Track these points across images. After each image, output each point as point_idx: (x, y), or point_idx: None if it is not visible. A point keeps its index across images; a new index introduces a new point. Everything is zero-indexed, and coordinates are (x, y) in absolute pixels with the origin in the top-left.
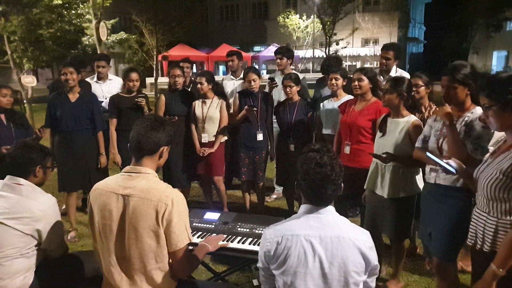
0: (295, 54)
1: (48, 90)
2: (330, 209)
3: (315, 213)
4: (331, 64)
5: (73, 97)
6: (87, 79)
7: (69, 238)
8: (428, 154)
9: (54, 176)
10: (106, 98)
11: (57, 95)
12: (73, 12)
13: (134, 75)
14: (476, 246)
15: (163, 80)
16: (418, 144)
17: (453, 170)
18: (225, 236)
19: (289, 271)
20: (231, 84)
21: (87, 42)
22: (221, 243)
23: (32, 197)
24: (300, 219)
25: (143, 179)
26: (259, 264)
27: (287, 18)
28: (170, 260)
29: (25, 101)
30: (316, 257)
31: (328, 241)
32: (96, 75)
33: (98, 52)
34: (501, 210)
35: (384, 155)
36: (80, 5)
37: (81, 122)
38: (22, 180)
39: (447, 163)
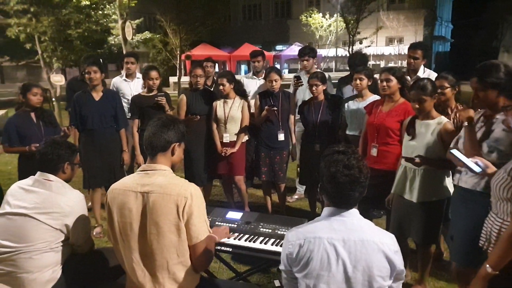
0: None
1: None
2: (354, 212)
3: (338, 216)
4: (357, 61)
5: (97, 95)
6: (114, 79)
7: (94, 233)
8: (454, 151)
9: (80, 173)
10: None
11: (82, 94)
12: (100, 12)
13: (153, 73)
14: (483, 247)
15: (186, 79)
16: (452, 145)
17: (478, 170)
18: (228, 227)
19: (312, 274)
20: (253, 84)
21: (113, 42)
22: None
23: (61, 193)
24: (323, 221)
25: (160, 176)
26: (282, 267)
27: (310, 16)
28: (191, 254)
29: (53, 99)
30: (340, 260)
31: (351, 244)
32: (124, 73)
33: (124, 51)
34: (506, 212)
35: (416, 159)
36: (107, 5)
37: (105, 120)
38: (51, 176)
39: (475, 163)
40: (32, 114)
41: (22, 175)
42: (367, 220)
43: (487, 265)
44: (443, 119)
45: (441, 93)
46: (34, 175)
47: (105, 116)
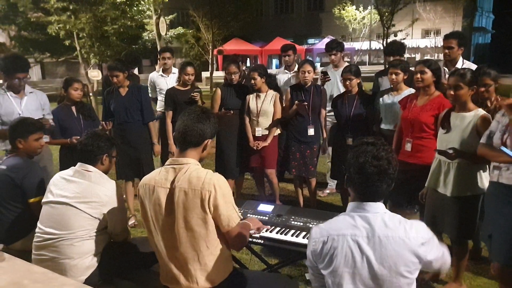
0: (351, 46)
1: (101, 84)
2: (379, 205)
3: (363, 211)
4: (395, 48)
5: (123, 91)
6: (151, 74)
7: (129, 224)
8: (503, 148)
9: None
10: None
11: (110, 91)
12: (135, 8)
13: (189, 69)
14: None
15: (218, 74)
16: (483, 140)
17: None
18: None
19: (337, 271)
20: (285, 77)
21: (147, 37)
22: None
23: (100, 183)
24: (347, 217)
25: (185, 170)
26: (308, 263)
27: (343, 9)
28: (226, 238)
29: (91, 94)
30: (364, 257)
31: (376, 241)
32: (160, 69)
33: (158, 46)
34: None
35: (450, 151)
36: (141, 1)
37: (132, 114)
38: (91, 167)
39: None
40: (73, 108)
41: (63, 166)
42: (392, 213)
43: None
44: (480, 111)
45: (485, 90)
46: (74, 166)
47: (130, 110)
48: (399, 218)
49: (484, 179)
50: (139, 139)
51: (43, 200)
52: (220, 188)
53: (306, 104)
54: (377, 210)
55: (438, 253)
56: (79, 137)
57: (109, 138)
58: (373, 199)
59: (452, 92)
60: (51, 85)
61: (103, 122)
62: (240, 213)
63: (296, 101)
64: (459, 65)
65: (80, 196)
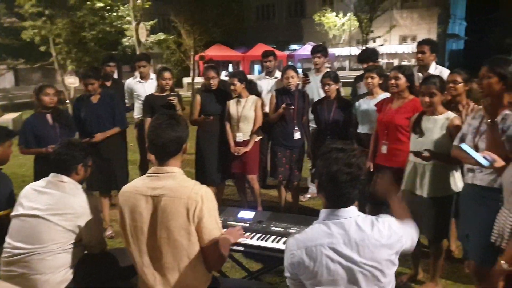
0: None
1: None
2: (351, 209)
3: (336, 218)
4: (368, 54)
5: (95, 98)
6: (129, 80)
7: (106, 235)
8: (463, 145)
9: None
10: None
11: (81, 98)
12: (114, 14)
13: (166, 74)
14: (496, 243)
15: (200, 80)
16: (456, 142)
17: (486, 164)
18: (241, 227)
19: (321, 281)
20: (266, 83)
21: (127, 43)
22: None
23: (74, 194)
24: (322, 226)
25: (170, 179)
26: (287, 274)
27: (323, 16)
28: (203, 255)
29: (67, 101)
30: (344, 263)
31: (353, 245)
32: (138, 76)
33: (137, 52)
34: None
35: (425, 153)
36: (121, 7)
37: (104, 123)
38: (65, 178)
39: (484, 157)
40: (48, 116)
41: (38, 177)
42: (364, 215)
43: (502, 261)
44: (451, 114)
45: (453, 87)
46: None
47: (103, 119)
48: (371, 219)
49: (457, 179)
50: (111, 149)
51: (13, 213)
52: (207, 200)
53: (293, 107)
54: (350, 214)
55: (412, 238)
56: (54, 145)
57: (84, 147)
58: (346, 205)
59: (427, 100)
60: (25, 92)
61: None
62: (220, 223)
63: (283, 105)
64: (431, 70)
65: (53, 208)
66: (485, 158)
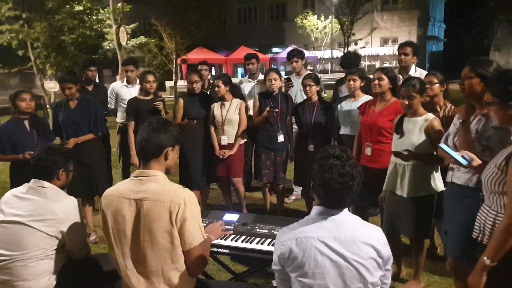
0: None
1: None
2: (343, 210)
3: (328, 215)
4: (351, 60)
5: (73, 103)
6: (114, 83)
7: (90, 240)
8: (442, 145)
9: None
10: None
11: (59, 103)
12: (94, 17)
13: (150, 77)
14: (478, 239)
15: (183, 84)
16: (441, 142)
17: (465, 163)
18: (223, 222)
19: (307, 273)
20: (249, 86)
21: (108, 47)
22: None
23: (56, 200)
24: (313, 220)
25: (153, 182)
26: (274, 267)
27: (305, 19)
28: (185, 259)
29: (48, 106)
30: (332, 257)
31: (342, 240)
32: (125, 80)
33: (119, 56)
34: (499, 204)
35: (405, 153)
36: (101, 10)
37: (81, 128)
38: (46, 183)
39: (462, 156)
40: (26, 122)
41: (15, 184)
42: (355, 216)
43: (485, 257)
44: (430, 116)
45: (429, 88)
46: (27, 183)
47: (80, 124)
48: (360, 220)
49: (437, 179)
50: (92, 155)
51: None
52: (190, 203)
53: (277, 110)
54: (341, 212)
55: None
56: (32, 152)
57: (65, 152)
58: (338, 208)
59: (406, 102)
60: (3, 98)
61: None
62: (203, 227)
63: (268, 108)
64: (411, 72)
65: (35, 214)
66: (463, 157)
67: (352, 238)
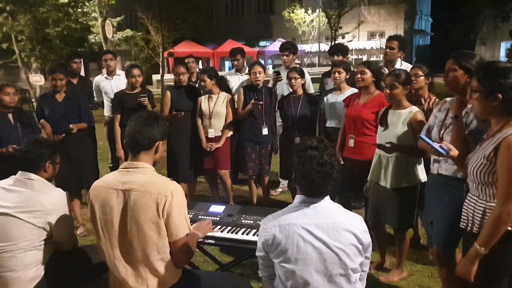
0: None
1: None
2: (325, 198)
3: (310, 203)
4: (339, 46)
5: (60, 96)
6: (96, 77)
7: (78, 233)
8: (422, 136)
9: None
10: None
11: (44, 96)
12: (79, 10)
13: (136, 71)
14: (467, 229)
15: (170, 77)
16: (422, 134)
17: (444, 152)
18: (210, 220)
19: (290, 259)
20: (236, 80)
21: (94, 40)
22: (210, 233)
23: (43, 191)
24: (296, 208)
25: (141, 174)
26: (258, 253)
27: (293, 12)
28: (171, 250)
29: (33, 99)
30: (314, 243)
31: (324, 227)
32: (105, 72)
33: (104, 49)
34: (489, 194)
35: (388, 145)
36: (86, 3)
37: (69, 121)
38: (33, 175)
39: (440, 146)
40: (10, 116)
41: (0, 177)
42: (336, 204)
43: (478, 245)
44: (414, 108)
45: (414, 81)
46: (13, 174)
47: (68, 117)
48: (342, 207)
49: (419, 171)
50: (79, 148)
51: None
52: (177, 196)
53: (261, 103)
54: (324, 201)
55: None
56: (16, 145)
57: (52, 144)
58: (319, 197)
59: (388, 91)
60: None
61: (55, 135)
62: (189, 219)
63: (252, 101)
64: (397, 66)
65: (22, 205)
66: (441, 147)
67: (333, 225)
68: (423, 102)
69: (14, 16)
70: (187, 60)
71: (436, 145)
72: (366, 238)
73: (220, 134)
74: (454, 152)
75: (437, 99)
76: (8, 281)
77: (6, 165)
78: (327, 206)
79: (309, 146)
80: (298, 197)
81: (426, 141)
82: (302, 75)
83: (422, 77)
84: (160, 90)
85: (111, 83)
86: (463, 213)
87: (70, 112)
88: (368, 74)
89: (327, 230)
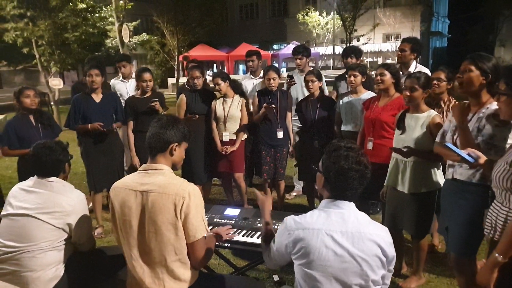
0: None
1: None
2: (351, 205)
3: (337, 208)
4: (353, 48)
5: (97, 97)
6: (112, 80)
7: (96, 234)
8: (448, 144)
9: (81, 175)
10: None
11: (82, 96)
12: (97, 15)
13: (146, 75)
14: (490, 236)
15: (184, 80)
16: (437, 139)
17: (472, 160)
18: (230, 226)
19: (311, 264)
20: (251, 83)
21: (110, 44)
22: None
23: (62, 193)
24: (322, 213)
25: (159, 175)
26: (275, 247)
27: (307, 15)
28: (189, 251)
29: (52, 102)
30: (337, 251)
31: (349, 235)
32: (121, 75)
33: (121, 53)
34: (511, 201)
35: (405, 149)
36: (103, 8)
37: (107, 122)
38: (52, 178)
39: (468, 154)
40: (31, 117)
41: (22, 177)
42: (362, 213)
43: (497, 254)
44: (432, 112)
45: (437, 85)
46: (33, 176)
47: (106, 118)
48: (368, 217)
49: (438, 176)
50: (114, 148)
51: (2, 213)
52: (194, 197)
53: (274, 106)
54: (350, 208)
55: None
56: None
57: (62, 145)
58: (348, 200)
59: (407, 93)
60: (8, 95)
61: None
62: (206, 221)
63: (265, 104)
64: (411, 68)
65: (42, 206)
66: (469, 155)
67: (359, 234)
68: (443, 104)
69: (35, 22)
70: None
71: (463, 153)
72: (391, 250)
73: (234, 138)
74: (483, 158)
75: (456, 102)
76: (28, 281)
77: (29, 166)
78: (354, 215)
79: (343, 146)
80: (325, 202)
81: (452, 148)
82: (319, 78)
83: (444, 82)
84: (175, 93)
85: (127, 86)
86: (487, 220)
87: (107, 113)
88: (388, 75)
89: (352, 238)
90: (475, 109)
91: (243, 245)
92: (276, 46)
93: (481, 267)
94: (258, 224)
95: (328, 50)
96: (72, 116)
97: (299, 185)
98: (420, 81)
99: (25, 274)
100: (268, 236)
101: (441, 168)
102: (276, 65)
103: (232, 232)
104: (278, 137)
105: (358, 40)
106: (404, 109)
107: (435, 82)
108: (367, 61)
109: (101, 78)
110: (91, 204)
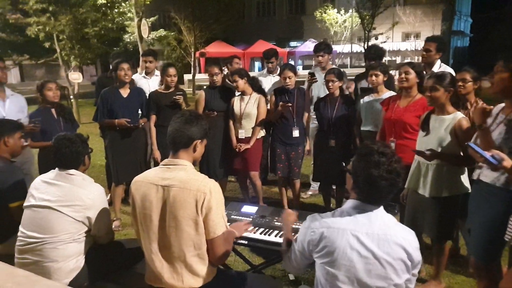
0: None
1: (92, 86)
2: (380, 208)
3: (363, 210)
4: (377, 51)
5: (124, 92)
6: (135, 75)
7: (113, 227)
8: (471, 144)
9: (99, 168)
10: None
11: (110, 90)
12: (116, 10)
13: (171, 70)
14: (511, 243)
15: (201, 77)
16: (472, 141)
17: (495, 162)
18: (248, 222)
19: (334, 263)
20: (268, 81)
21: (129, 40)
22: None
23: (82, 186)
24: (348, 213)
25: (181, 171)
26: (298, 247)
27: (325, 12)
28: (208, 248)
29: (71, 96)
30: (362, 252)
31: (375, 237)
32: (144, 71)
33: (140, 49)
34: None
35: (427, 152)
36: (122, 3)
37: (134, 116)
38: (72, 170)
39: (492, 156)
40: (53, 110)
41: (43, 169)
42: (390, 215)
43: None
44: (459, 114)
45: (462, 86)
46: (54, 168)
47: (132, 113)
48: (395, 219)
49: (462, 180)
50: (138, 142)
51: (25, 204)
52: (215, 193)
53: (290, 105)
54: (378, 210)
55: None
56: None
57: (82, 138)
58: (378, 204)
59: (429, 94)
60: (30, 88)
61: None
62: (226, 218)
63: (281, 103)
64: (435, 68)
65: (63, 199)
66: (493, 157)
67: (385, 237)
68: (469, 106)
69: (56, 16)
70: (235, 60)
71: (486, 154)
72: (417, 255)
73: (250, 135)
74: (508, 162)
75: (484, 104)
76: (50, 271)
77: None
78: (381, 216)
79: (376, 151)
80: (351, 202)
81: (475, 149)
82: (340, 77)
83: (470, 83)
84: (191, 89)
85: (149, 82)
86: (509, 226)
87: (134, 108)
88: (413, 74)
89: (378, 240)
90: (508, 110)
91: (261, 243)
92: (292, 44)
93: (506, 273)
94: (276, 223)
95: (345, 48)
96: (100, 109)
97: (315, 184)
98: (441, 80)
99: (47, 265)
100: (289, 242)
101: (466, 173)
102: (293, 62)
103: (249, 228)
104: (293, 135)
105: (376, 39)
106: (428, 110)
107: (460, 83)
108: (385, 61)
109: (131, 72)
110: (109, 196)
